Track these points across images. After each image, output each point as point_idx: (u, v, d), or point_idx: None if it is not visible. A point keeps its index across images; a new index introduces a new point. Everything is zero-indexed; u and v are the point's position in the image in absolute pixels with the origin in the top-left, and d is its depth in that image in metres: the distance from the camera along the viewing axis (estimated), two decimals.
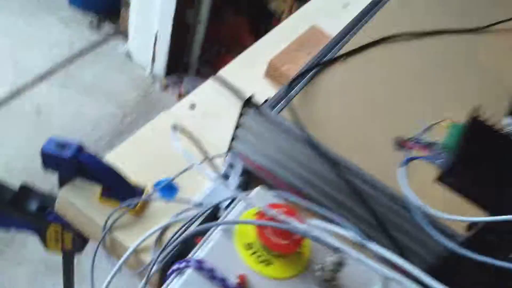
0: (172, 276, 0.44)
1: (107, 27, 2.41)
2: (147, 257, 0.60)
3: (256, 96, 0.60)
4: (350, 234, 0.42)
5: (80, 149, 0.59)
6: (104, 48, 2.32)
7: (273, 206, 0.44)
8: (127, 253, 0.59)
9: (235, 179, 0.68)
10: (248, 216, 0.46)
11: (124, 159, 0.69)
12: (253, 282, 0.41)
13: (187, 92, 2.24)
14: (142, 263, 0.60)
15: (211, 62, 2.34)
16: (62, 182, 0.64)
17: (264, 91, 0.85)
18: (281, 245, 0.42)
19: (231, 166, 0.68)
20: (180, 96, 2.24)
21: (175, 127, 0.54)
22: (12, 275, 1.54)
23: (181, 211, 0.64)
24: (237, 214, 0.46)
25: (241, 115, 0.61)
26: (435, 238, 0.49)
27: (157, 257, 0.55)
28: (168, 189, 0.67)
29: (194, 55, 2.25)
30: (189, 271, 0.41)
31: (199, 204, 0.64)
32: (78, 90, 2.16)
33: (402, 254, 0.54)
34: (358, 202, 0.55)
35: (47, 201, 0.70)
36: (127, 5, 2.12)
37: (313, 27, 0.94)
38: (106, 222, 0.61)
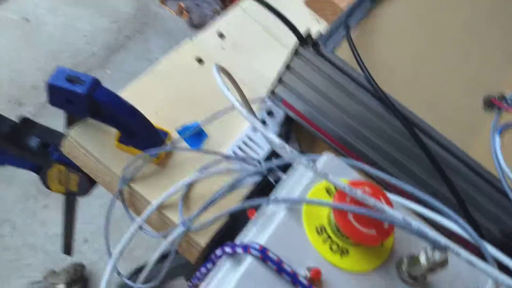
0: (222, 259, 0.36)
1: None
2: (172, 216, 0.52)
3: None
4: (459, 229, 0.33)
5: (96, 83, 0.49)
6: None
7: (355, 184, 0.35)
8: (149, 210, 0.51)
9: (274, 128, 0.58)
10: (320, 191, 0.37)
11: (141, 96, 0.58)
12: (327, 276, 0.33)
13: (188, 9, 2.05)
14: (165, 222, 0.52)
15: None
16: (70, 122, 0.54)
17: (305, 22, 0.73)
18: (367, 235, 0.33)
19: (269, 113, 0.58)
20: (181, 13, 2.06)
21: (218, 68, 0.43)
22: (2, 196, 1.47)
23: (210, 163, 0.55)
24: (303, 187, 0.37)
25: (295, 54, 0.50)
26: None
27: (190, 222, 0.47)
28: (196, 136, 0.57)
29: None
30: (249, 259, 0.33)
31: (231, 156, 0.55)
32: (68, 0, 1.96)
33: (480, 234, 0.47)
34: (433, 171, 0.46)
35: (50, 138, 0.60)
36: None
37: None
38: (124, 171, 0.52)
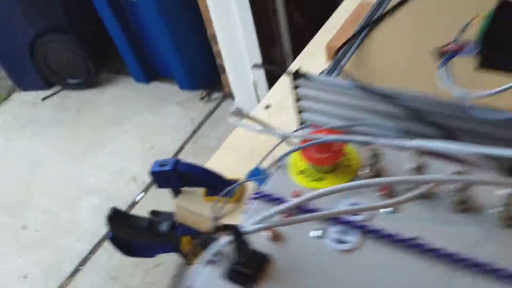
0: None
1: (216, 94, 2.67)
2: None
3: None
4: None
5: (176, 161, 0.72)
6: (218, 113, 2.57)
7: (315, 132, 0.50)
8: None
9: None
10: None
11: (219, 164, 0.80)
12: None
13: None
14: None
15: None
16: (175, 194, 0.77)
17: None
18: (324, 158, 0.47)
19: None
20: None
21: (235, 112, 0.63)
22: None
23: None
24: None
25: (294, 88, 0.68)
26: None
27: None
28: (257, 173, 0.75)
29: None
30: (256, 202, 0.49)
31: None
32: (208, 156, 2.40)
33: None
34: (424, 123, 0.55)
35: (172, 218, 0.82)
36: (223, 68, 2.35)
37: (362, 3, 0.98)
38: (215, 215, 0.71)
